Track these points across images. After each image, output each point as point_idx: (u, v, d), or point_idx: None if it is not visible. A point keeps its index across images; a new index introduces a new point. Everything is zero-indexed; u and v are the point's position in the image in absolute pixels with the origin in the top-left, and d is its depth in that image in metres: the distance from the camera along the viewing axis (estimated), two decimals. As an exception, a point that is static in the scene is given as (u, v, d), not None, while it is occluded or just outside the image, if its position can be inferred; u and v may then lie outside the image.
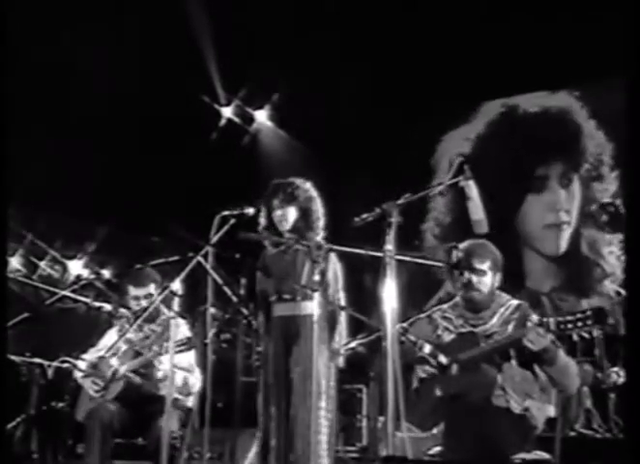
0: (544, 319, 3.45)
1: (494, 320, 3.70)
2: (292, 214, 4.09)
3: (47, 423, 5.30)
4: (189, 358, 4.41)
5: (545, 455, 3.48)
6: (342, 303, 4.04)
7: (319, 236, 4.08)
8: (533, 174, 7.72)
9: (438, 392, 3.58)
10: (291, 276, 4.02)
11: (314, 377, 3.72)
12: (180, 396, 4.32)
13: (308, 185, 4.18)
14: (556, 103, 7.67)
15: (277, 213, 4.09)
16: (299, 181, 4.18)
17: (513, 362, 3.55)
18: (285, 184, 4.15)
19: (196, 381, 4.43)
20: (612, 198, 7.25)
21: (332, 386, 3.93)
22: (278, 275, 4.09)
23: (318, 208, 4.15)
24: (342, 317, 4.04)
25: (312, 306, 3.87)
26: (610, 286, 7.08)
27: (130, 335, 4.50)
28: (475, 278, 3.69)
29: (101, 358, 4.50)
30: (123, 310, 4.64)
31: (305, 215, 4.10)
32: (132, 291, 4.61)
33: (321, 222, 4.14)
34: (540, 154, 7.70)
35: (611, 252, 7.21)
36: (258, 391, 4.04)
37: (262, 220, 4.14)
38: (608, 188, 7.31)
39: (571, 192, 7.59)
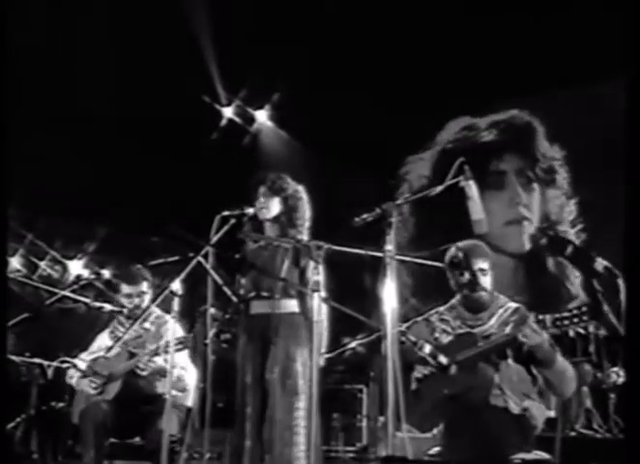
0: (540, 316, 3.45)
1: (492, 321, 3.69)
2: (275, 205, 3.99)
3: (47, 423, 5.31)
4: (183, 355, 4.40)
5: (545, 455, 3.47)
6: (323, 294, 3.75)
7: (302, 236, 3.98)
8: (488, 169, 7.61)
9: (437, 393, 3.57)
10: (269, 273, 3.91)
11: (293, 377, 3.71)
12: (175, 392, 4.30)
13: (300, 187, 4.10)
14: (510, 115, 7.72)
15: (260, 200, 3.98)
16: (291, 180, 4.10)
17: (510, 361, 3.55)
18: (275, 175, 4.06)
19: (191, 378, 4.43)
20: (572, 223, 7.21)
21: (313, 385, 3.84)
22: (257, 271, 3.97)
23: (305, 210, 4.05)
24: (324, 314, 3.80)
25: (292, 305, 3.86)
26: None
27: (122, 336, 4.51)
28: (481, 278, 3.69)
29: (97, 358, 4.51)
30: (110, 307, 4.65)
31: (290, 211, 3.99)
32: (125, 289, 4.63)
33: (306, 224, 4.03)
34: (494, 149, 7.67)
35: (577, 276, 7.10)
36: (236, 391, 3.91)
37: (249, 211, 4.00)
38: (569, 206, 7.26)
39: (531, 193, 7.52)
